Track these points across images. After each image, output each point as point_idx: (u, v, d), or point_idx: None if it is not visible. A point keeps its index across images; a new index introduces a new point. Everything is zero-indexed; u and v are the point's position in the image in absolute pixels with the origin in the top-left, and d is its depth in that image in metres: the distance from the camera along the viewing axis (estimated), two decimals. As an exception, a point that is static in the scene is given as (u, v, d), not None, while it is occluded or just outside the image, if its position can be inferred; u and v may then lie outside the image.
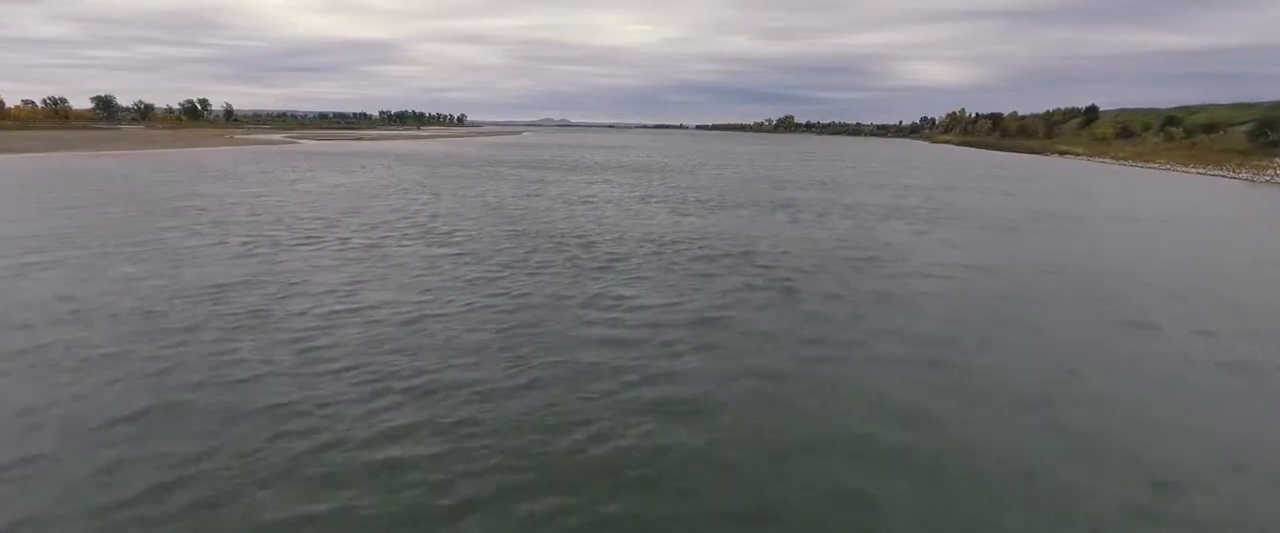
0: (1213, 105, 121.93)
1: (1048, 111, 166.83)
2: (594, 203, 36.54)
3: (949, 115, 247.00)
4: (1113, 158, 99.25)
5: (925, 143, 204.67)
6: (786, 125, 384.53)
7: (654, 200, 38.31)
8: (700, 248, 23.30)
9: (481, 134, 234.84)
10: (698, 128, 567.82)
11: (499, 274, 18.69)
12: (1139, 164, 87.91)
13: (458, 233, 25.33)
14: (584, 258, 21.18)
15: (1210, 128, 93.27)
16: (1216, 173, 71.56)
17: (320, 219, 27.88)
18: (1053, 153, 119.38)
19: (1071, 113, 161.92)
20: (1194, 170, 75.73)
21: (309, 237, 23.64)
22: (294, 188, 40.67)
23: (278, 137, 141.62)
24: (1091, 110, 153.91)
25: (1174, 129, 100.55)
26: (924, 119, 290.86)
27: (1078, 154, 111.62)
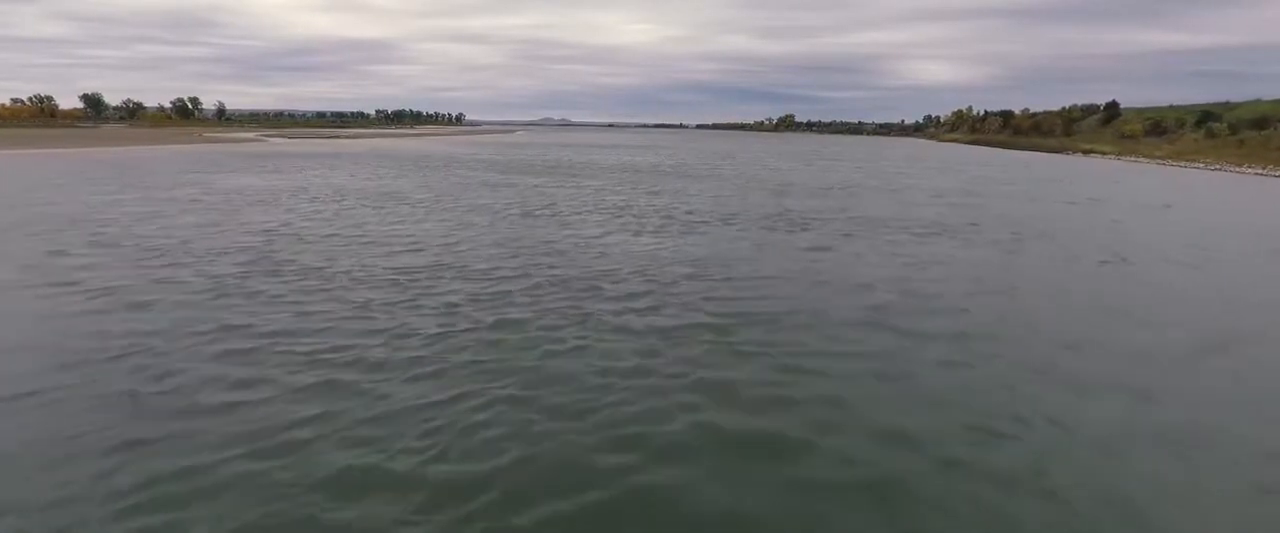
0: (1247, 102, 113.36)
1: (1066, 107, 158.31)
2: (545, 218, 28.29)
3: (955, 113, 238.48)
4: (1146, 157, 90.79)
5: (930, 141, 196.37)
6: (787, 124, 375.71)
7: (628, 214, 30.03)
8: (664, 310, 14.99)
9: (475, 133, 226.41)
10: (698, 127, 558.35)
11: (307, 361, 10.41)
12: (1181, 164, 79.44)
13: (320, 271, 17.01)
14: (463, 326, 12.88)
15: (1260, 123, 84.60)
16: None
17: (134, 245, 19.57)
18: (1076, 151, 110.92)
19: (1090, 109, 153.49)
20: (1251, 171, 67.34)
21: (65, 283, 15.34)
22: (172, 194, 32.40)
23: (249, 135, 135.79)
24: (1112, 106, 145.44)
25: (1217, 126, 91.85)
26: (928, 117, 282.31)
27: (1104, 153, 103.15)
